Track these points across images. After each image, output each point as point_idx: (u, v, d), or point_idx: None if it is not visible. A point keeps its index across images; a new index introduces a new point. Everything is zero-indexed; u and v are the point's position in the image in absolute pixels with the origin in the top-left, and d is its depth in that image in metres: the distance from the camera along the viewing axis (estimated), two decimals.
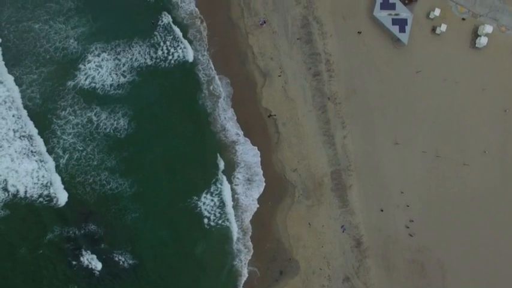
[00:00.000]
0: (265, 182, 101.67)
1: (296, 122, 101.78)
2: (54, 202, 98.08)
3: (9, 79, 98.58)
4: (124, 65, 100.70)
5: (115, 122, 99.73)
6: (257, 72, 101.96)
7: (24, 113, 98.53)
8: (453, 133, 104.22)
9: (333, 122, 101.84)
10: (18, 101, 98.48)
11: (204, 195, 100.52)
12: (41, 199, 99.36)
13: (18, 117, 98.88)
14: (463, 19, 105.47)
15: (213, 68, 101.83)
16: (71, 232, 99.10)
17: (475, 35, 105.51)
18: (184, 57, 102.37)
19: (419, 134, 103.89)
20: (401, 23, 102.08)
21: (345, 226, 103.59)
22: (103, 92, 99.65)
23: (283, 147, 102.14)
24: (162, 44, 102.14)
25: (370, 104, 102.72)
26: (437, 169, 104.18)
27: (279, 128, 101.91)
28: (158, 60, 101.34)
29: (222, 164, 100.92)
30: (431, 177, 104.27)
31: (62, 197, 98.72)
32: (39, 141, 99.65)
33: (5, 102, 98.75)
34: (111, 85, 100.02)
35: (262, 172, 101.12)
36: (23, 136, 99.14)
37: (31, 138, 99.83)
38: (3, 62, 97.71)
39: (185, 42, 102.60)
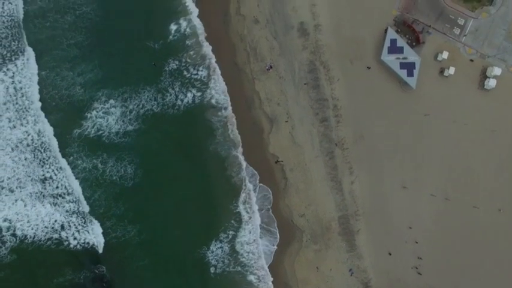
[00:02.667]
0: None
1: (303, 168, 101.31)
2: (64, 246, 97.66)
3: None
4: (131, 112, 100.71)
5: (122, 169, 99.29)
6: (264, 118, 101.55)
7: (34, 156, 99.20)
8: (462, 175, 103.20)
9: (341, 167, 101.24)
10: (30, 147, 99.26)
11: (214, 242, 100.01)
12: (49, 242, 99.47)
13: (30, 162, 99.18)
14: (471, 60, 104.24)
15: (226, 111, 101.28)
16: (77, 277, 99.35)
17: (484, 76, 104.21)
18: (194, 101, 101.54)
19: (428, 177, 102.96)
20: (409, 67, 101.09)
21: (352, 270, 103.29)
22: (109, 140, 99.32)
23: (290, 192, 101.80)
24: (170, 89, 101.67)
25: (378, 148, 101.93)
26: (447, 212, 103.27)
27: (286, 173, 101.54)
28: (166, 107, 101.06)
29: (232, 211, 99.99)
30: (440, 219, 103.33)
31: (72, 241, 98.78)
32: (50, 186, 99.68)
33: (17, 148, 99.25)
34: (117, 133, 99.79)
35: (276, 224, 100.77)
36: (35, 180, 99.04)
37: (43, 182, 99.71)
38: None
39: (193, 87, 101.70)
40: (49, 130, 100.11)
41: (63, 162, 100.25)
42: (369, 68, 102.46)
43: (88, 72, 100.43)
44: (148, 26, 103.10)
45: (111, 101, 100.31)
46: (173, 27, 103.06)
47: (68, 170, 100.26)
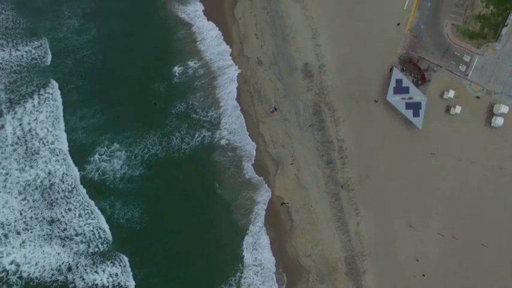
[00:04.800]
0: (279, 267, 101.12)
1: (309, 209, 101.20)
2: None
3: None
4: (136, 156, 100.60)
5: (129, 213, 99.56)
6: (269, 160, 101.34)
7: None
8: (470, 213, 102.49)
9: (347, 209, 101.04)
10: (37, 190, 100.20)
11: (223, 286, 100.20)
12: (55, 284, 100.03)
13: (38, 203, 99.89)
14: (478, 97, 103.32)
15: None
16: None
17: (491, 113, 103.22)
18: (201, 143, 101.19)
19: (435, 215, 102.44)
20: (415, 107, 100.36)
21: None
22: (114, 185, 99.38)
23: (296, 233, 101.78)
24: (176, 133, 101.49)
25: (384, 188, 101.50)
26: (455, 250, 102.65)
27: (292, 215, 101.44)
28: (171, 151, 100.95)
29: (239, 254, 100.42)
30: (448, 258, 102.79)
31: (78, 283, 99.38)
32: (57, 228, 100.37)
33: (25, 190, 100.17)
34: (122, 178, 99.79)
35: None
36: (42, 221, 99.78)
37: (50, 224, 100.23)
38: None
39: (201, 129, 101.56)
40: (60, 171, 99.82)
41: (73, 204, 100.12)
42: (376, 101, 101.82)
43: (90, 117, 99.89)
44: (152, 68, 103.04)
45: (116, 145, 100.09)
46: (178, 68, 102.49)
47: (77, 211, 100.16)
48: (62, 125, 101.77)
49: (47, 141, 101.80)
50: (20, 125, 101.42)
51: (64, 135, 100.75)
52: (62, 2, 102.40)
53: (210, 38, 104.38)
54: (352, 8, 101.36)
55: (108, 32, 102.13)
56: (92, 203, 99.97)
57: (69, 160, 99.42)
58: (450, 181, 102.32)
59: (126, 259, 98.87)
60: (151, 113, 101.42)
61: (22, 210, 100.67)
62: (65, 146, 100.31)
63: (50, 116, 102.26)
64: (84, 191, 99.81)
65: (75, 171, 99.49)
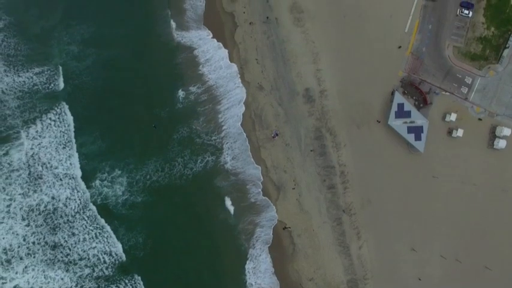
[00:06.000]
0: None
1: (311, 234, 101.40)
2: None
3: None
4: (138, 182, 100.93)
5: (132, 239, 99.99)
6: (271, 186, 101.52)
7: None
8: (473, 236, 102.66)
9: (348, 233, 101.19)
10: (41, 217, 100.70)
11: None
12: None
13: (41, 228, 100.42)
14: (480, 119, 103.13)
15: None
16: None
17: (493, 135, 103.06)
18: (204, 168, 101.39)
19: (437, 238, 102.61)
20: (416, 131, 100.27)
21: None
22: (117, 210, 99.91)
23: (299, 257, 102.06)
24: (178, 159, 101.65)
25: (386, 212, 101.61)
26: (458, 273, 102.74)
27: (294, 239, 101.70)
28: (174, 178, 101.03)
29: (242, 280, 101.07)
30: (451, 281, 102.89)
31: None
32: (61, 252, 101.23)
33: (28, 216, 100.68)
34: (124, 204, 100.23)
35: None
36: (45, 246, 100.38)
37: (53, 249, 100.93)
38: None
39: (203, 155, 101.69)
40: (63, 195, 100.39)
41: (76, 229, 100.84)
42: (379, 121, 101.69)
43: (90, 144, 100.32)
44: (154, 93, 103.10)
45: (117, 171, 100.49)
46: (182, 93, 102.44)
47: (81, 235, 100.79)
48: (66, 150, 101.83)
49: (51, 166, 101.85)
50: (25, 150, 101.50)
51: (74, 160, 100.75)
52: (61, 28, 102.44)
53: (215, 62, 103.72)
54: (353, 31, 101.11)
55: (108, 59, 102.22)
56: (101, 223, 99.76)
57: (77, 183, 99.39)
58: (452, 204, 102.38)
59: (130, 284, 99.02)
60: (153, 138, 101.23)
61: (25, 235, 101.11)
62: (72, 170, 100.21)
63: (53, 141, 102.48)
64: (94, 210, 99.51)
65: (82, 194, 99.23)
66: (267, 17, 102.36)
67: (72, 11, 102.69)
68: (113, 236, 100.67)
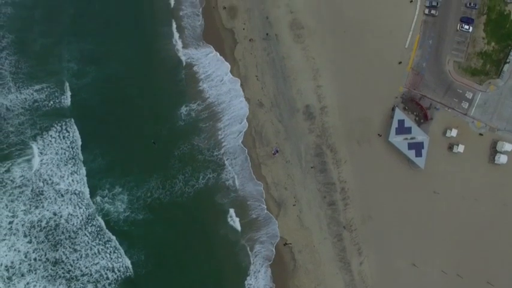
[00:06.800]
0: None
1: (312, 250, 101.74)
2: None
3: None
4: (139, 199, 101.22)
5: (135, 256, 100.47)
6: (271, 202, 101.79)
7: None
8: (474, 251, 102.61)
9: (349, 249, 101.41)
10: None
11: None
12: None
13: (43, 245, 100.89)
14: (481, 134, 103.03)
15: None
16: None
17: (494, 150, 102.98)
18: (206, 185, 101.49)
19: (438, 253, 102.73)
20: (417, 147, 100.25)
21: None
22: (119, 227, 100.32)
23: (299, 273, 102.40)
24: (180, 176, 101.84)
25: (387, 227, 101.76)
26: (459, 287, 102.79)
27: (295, 255, 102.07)
28: (175, 196, 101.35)
29: None
30: None
31: None
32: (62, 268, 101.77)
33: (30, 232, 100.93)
34: (125, 220, 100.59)
35: None
36: (46, 262, 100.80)
37: (54, 265, 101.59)
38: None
39: (204, 172, 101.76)
40: (65, 211, 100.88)
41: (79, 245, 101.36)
42: (380, 135, 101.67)
43: (90, 162, 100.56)
44: (155, 110, 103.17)
45: (118, 188, 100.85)
46: (184, 110, 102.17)
47: (83, 251, 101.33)
48: (69, 166, 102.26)
49: (52, 182, 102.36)
50: (34, 166, 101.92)
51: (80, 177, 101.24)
52: (62, 46, 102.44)
53: (216, 77, 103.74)
54: (354, 47, 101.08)
55: (107, 76, 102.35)
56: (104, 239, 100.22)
57: (80, 199, 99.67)
58: (454, 219, 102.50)
59: None
60: (154, 155, 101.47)
61: (27, 252, 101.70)
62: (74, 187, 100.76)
63: (54, 158, 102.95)
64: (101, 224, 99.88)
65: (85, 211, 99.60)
66: (267, 34, 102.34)
67: (78, 29, 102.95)
68: (120, 249, 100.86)
